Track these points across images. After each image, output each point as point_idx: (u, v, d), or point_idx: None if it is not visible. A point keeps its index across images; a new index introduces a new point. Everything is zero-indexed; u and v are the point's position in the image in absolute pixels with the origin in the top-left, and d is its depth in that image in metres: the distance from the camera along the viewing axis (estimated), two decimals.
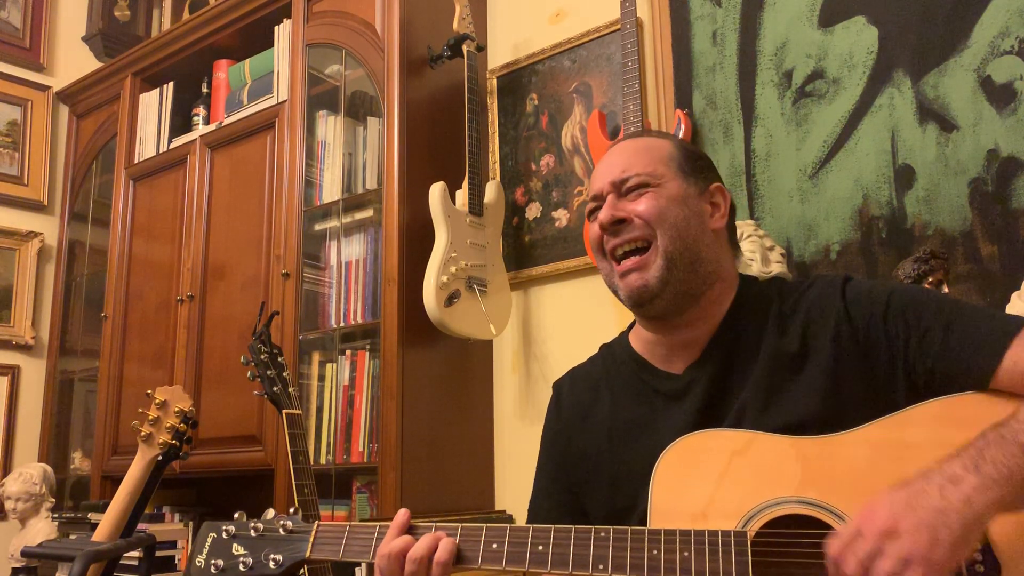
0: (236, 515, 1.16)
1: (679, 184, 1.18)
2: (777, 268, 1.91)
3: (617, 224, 1.17)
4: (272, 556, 1.10)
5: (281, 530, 1.13)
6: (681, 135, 2.20)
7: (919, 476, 0.89)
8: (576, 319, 2.44)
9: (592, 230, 1.22)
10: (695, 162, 1.22)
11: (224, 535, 1.14)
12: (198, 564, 1.12)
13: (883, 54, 2.01)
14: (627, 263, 1.17)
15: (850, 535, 0.87)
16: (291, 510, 1.17)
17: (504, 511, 2.47)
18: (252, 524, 1.14)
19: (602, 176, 1.21)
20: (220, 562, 1.12)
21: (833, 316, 1.11)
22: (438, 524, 1.08)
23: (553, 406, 1.33)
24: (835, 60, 2.07)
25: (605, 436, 1.22)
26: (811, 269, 2.04)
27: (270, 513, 1.15)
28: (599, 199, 1.20)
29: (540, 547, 1.03)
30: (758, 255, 1.90)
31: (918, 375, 1.04)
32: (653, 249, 1.15)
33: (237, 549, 1.12)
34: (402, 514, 1.09)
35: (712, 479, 1.04)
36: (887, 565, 0.83)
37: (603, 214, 1.18)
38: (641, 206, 1.16)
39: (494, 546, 1.05)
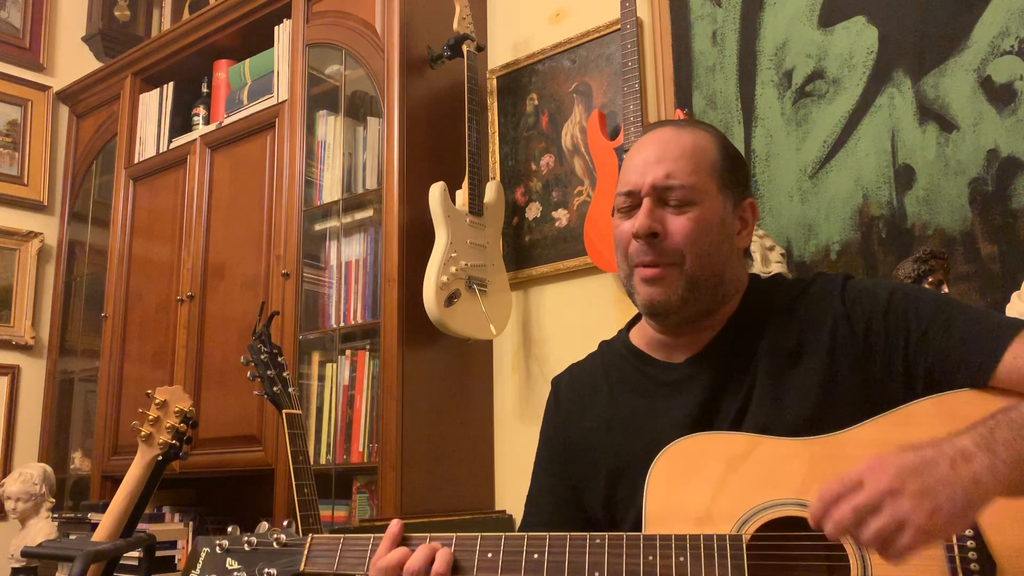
0: (229, 529, 1.16)
1: (719, 202, 1.14)
2: (777, 268, 1.92)
3: (652, 236, 1.12)
4: (266, 570, 1.10)
5: (275, 543, 1.13)
6: None
7: (930, 444, 0.88)
8: (576, 319, 2.44)
9: (620, 228, 1.16)
10: (735, 172, 1.18)
11: (218, 550, 1.14)
12: None
13: (883, 54, 2.01)
14: (649, 272, 1.13)
15: (851, 482, 0.85)
16: (285, 523, 1.17)
17: (504, 511, 2.47)
18: (246, 538, 1.14)
19: (641, 171, 1.14)
20: None
21: (832, 314, 1.11)
22: (432, 536, 1.08)
23: (552, 401, 1.33)
24: (835, 60, 2.07)
25: (604, 428, 1.22)
26: (811, 269, 2.04)
27: (264, 526, 1.15)
28: (634, 197, 1.14)
29: (536, 555, 1.02)
30: (758, 255, 1.90)
31: (918, 373, 1.04)
32: (679, 270, 1.12)
33: (231, 564, 1.12)
34: (395, 524, 1.09)
35: (707, 482, 1.03)
36: (881, 522, 0.82)
37: (640, 223, 1.12)
38: (679, 227, 1.11)
39: (489, 555, 1.04)
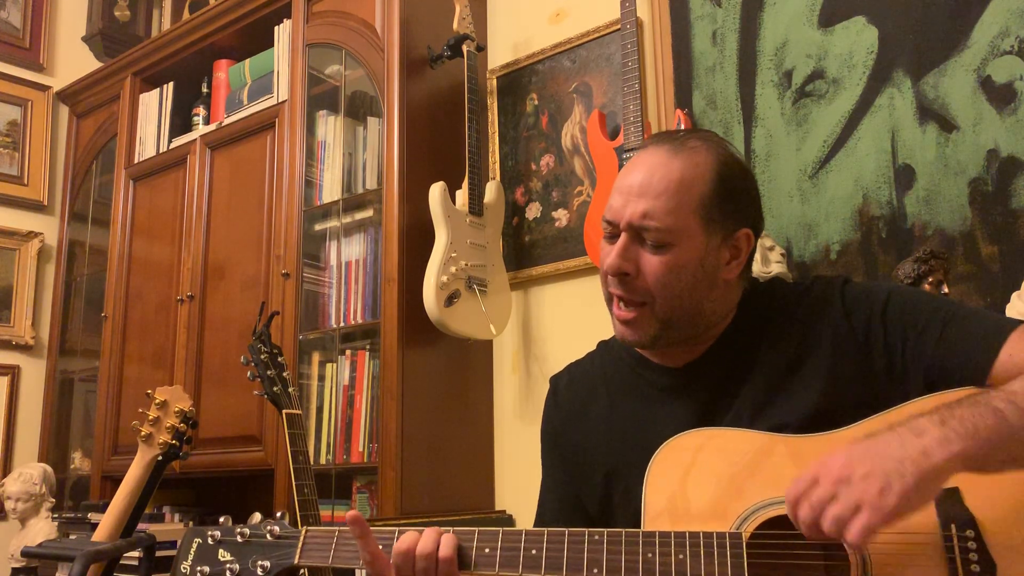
0: (221, 520, 1.14)
1: (699, 241, 1.08)
2: (777, 268, 1.91)
3: (623, 275, 1.10)
4: (259, 563, 1.08)
5: (268, 535, 1.11)
6: None
7: (887, 428, 0.90)
8: (576, 319, 2.44)
9: (603, 252, 1.14)
10: (730, 202, 1.11)
11: (210, 540, 1.12)
12: (183, 571, 1.10)
13: (883, 54, 2.00)
14: (621, 313, 1.12)
15: (807, 481, 0.88)
16: (278, 514, 1.14)
17: (504, 511, 2.47)
18: (238, 529, 1.12)
19: (623, 201, 1.09)
20: (206, 568, 1.09)
21: (832, 318, 1.11)
22: (432, 528, 1.07)
23: (551, 400, 1.33)
24: (835, 60, 2.07)
25: (602, 430, 1.22)
26: (811, 269, 2.04)
27: (256, 517, 1.13)
28: (613, 226, 1.11)
29: (533, 551, 1.02)
30: (758, 255, 1.90)
31: (916, 373, 1.04)
32: (650, 310, 1.11)
33: (223, 555, 1.10)
34: (350, 514, 1.06)
35: (706, 479, 1.03)
36: (836, 509, 0.84)
37: (610, 261, 1.10)
38: (651, 268, 1.08)
39: (487, 550, 1.04)
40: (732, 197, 1.11)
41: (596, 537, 1.01)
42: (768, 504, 0.99)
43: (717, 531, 0.98)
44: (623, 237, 1.09)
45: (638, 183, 1.09)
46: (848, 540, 0.84)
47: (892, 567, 0.92)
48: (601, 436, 1.21)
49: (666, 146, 1.11)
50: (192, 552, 1.11)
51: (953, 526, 0.91)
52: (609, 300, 1.15)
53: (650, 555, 0.98)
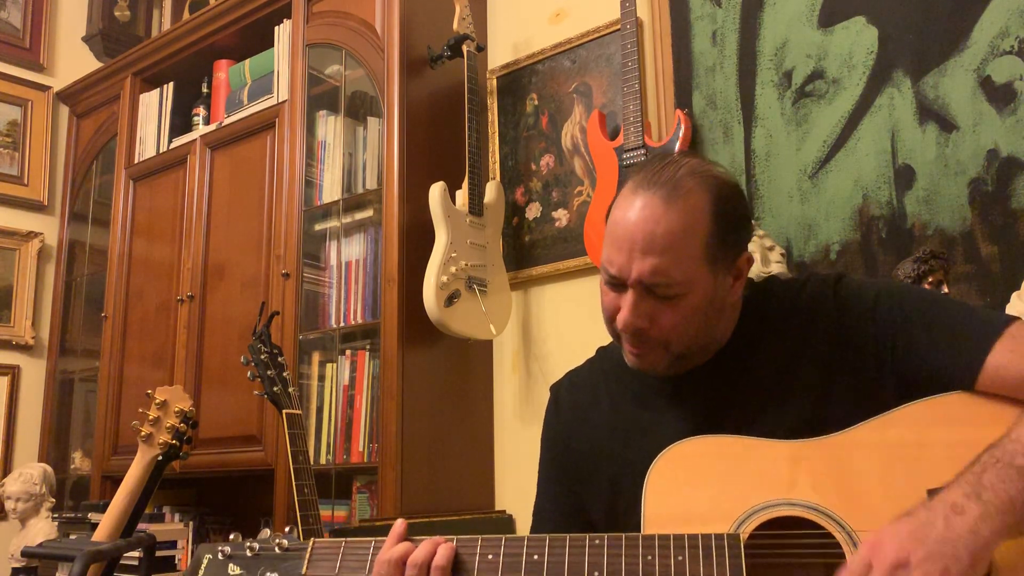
0: (232, 536, 1.16)
1: (709, 282, 1.08)
2: (777, 268, 1.92)
3: (636, 331, 1.09)
4: (268, 574, 1.11)
5: (277, 548, 1.13)
6: (681, 135, 2.20)
7: (922, 506, 0.89)
8: (576, 319, 2.44)
9: (607, 297, 1.12)
10: (731, 235, 1.09)
11: (220, 556, 1.14)
12: None
13: (883, 54, 2.01)
14: (632, 349, 1.12)
15: (861, 567, 0.87)
16: (287, 528, 1.17)
17: (504, 511, 2.47)
18: (248, 544, 1.14)
19: (627, 256, 1.06)
20: None
21: (825, 317, 1.11)
22: (432, 538, 1.08)
23: (551, 409, 1.33)
24: (835, 60, 2.07)
25: (605, 438, 1.22)
26: (811, 269, 2.04)
27: (266, 532, 1.15)
28: (618, 280, 1.09)
29: (536, 556, 1.03)
30: (758, 255, 1.90)
31: (905, 375, 1.05)
32: (665, 351, 1.11)
33: (233, 570, 1.13)
34: (400, 524, 1.10)
35: (704, 484, 1.04)
36: None
37: (625, 319, 1.08)
38: (666, 319, 1.07)
39: (490, 556, 1.05)
40: (732, 230, 1.10)
41: (597, 541, 1.02)
42: (766, 506, 1.00)
43: (716, 533, 0.99)
44: (632, 293, 1.07)
45: (640, 238, 1.06)
46: None
47: None
48: (604, 443, 1.22)
49: (661, 192, 1.07)
50: (203, 568, 1.13)
51: None
52: (616, 337, 1.15)
53: (649, 557, 0.99)
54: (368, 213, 2.56)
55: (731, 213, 1.10)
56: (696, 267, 1.06)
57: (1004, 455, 0.90)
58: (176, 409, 1.85)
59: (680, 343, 1.10)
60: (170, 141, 3.22)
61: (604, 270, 1.11)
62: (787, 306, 1.15)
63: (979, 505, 0.87)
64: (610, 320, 1.12)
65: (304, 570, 1.11)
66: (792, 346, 1.12)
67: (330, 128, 2.71)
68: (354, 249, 2.58)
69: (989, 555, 0.86)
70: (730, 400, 1.13)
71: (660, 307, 1.07)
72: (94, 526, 1.83)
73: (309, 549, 1.12)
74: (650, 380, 1.21)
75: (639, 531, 1.07)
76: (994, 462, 0.90)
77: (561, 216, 2.50)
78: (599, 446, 1.22)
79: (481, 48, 2.61)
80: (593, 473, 1.22)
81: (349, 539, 1.12)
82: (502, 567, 1.04)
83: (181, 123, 3.26)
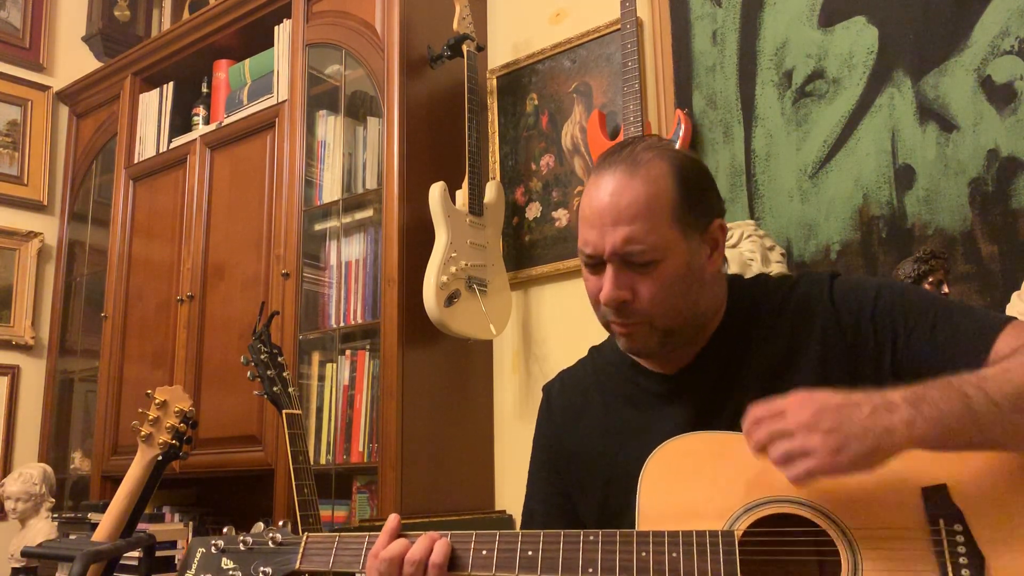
0: (225, 529, 1.16)
1: (683, 247, 1.09)
2: (777, 268, 1.92)
3: (621, 303, 1.10)
4: (262, 569, 1.11)
5: (270, 543, 1.13)
6: (681, 135, 2.20)
7: (864, 395, 0.93)
8: (576, 319, 2.44)
9: (589, 281, 1.14)
10: (698, 202, 1.11)
11: (213, 549, 1.14)
12: None
13: (883, 54, 2.01)
14: (622, 330, 1.13)
15: (776, 411, 0.93)
16: (280, 523, 1.17)
17: (504, 511, 2.47)
18: (241, 538, 1.14)
19: (599, 232, 1.09)
20: None
21: (821, 315, 1.11)
22: (428, 534, 1.09)
23: (544, 409, 1.33)
24: (835, 60, 2.07)
25: (598, 438, 1.22)
26: (811, 269, 2.04)
27: (260, 526, 1.15)
28: (595, 259, 1.11)
29: (529, 552, 1.03)
30: (758, 255, 1.90)
31: (905, 374, 1.04)
32: (650, 326, 1.11)
33: (226, 563, 1.13)
34: (393, 519, 1.10)
35: (699, 481, 1.04)
36: (790, 446, 0.90)
37: (607, 293, 1.09)
38: (646, 290, 1.08)
39: (484, 552, 1.05)
40: (697, 195, 1.12)
41: (591, 537, 1.02)
42: (760, 503, 1.00)
43: (710, 530, 0.99)
44: (611, 267, 1.09)
45: (609, 211, 1.08)
46: (789, 476, 0.91)
47: (882, 563, 0.93)
48: (597, 444, 1.22)
49: (621, 167, 1.10)
50: (196, 561, 1.13)
51: (941, 522, 0.92)
52: (606, 323, 1.16)
53: (644, 554, 0.99)
54: (368, 213, 2.56)
55: (693, 178, 1.12)
56: (667, 230, 1.08)
57: (958, 382, 0.93)
58: (176, 409, 1.85)
59: (664, 316, 1.10)
60: (170, 141, 3.22)
61: (581, 252, 1.13)
62: (778, 304, 1.15)
63: (910, 410, 0.90)
64: (596, 304, 1.14)
65: (298, 564, 1.11)
66: (784, 345, 1.12)
67: (330, 128, 2.71)
68: (354, 249, 2.58)
69: (890, 457, 0.90)
70: (722, 400, 1.13)
71: (639, 278, 1.09)
72: (94, 526, 1.83)
73: (303, 543, 1.13)
74: (643, 380, 1.21)
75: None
76: (946, 384, 0.93)
77: (561, 216, 2.50)
78: (592, 447, 1.22)
79: (481, 48, 2.61)
80: (586, 474, 1.22)
81: (343, 534, 1.13)
82: (496, 562, 1.04)
83: (181, 123, 3.26)
